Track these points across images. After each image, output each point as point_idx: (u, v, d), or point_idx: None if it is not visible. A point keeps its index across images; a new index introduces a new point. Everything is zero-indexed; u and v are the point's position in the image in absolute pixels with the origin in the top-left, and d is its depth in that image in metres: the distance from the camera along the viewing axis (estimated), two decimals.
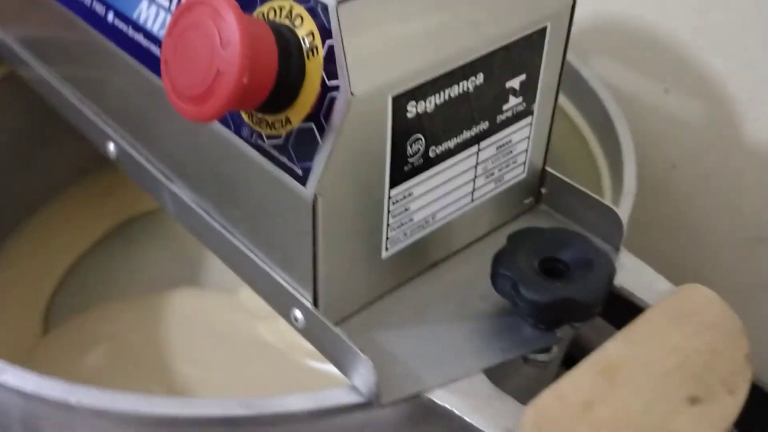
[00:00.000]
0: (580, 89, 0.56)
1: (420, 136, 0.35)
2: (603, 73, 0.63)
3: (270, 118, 0.34)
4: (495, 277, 0.37)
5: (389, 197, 0.36)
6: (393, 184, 0.36)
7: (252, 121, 0.35)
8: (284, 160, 0.34)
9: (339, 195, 0.34)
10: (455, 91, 0.35)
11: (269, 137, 0.34)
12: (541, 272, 0.37)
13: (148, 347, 0.54)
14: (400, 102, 0.33)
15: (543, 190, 0.45)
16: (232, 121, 0.36)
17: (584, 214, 0.43)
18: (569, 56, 0.57)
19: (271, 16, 0.34)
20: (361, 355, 0.34)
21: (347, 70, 0.31)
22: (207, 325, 0.55)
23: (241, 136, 0.36)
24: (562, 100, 0.57)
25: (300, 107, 0.33)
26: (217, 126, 0.37)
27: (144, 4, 0.40)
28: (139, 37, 0.40)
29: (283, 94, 0.33)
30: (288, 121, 0.34)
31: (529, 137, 0.41)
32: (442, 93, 0.35)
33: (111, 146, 0.46)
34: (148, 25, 0.40)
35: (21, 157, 0.62)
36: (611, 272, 0.37)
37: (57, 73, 0.50)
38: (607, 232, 0.42)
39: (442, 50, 0.34)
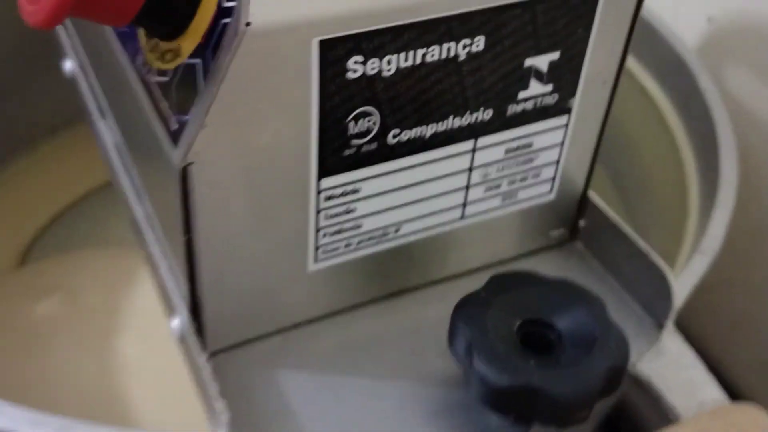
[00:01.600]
0: (689, 99, 0.43)
1: (371, 110, 0.24)
2: (737, 90, 0.49)
3: (164, 46, 0.24)
4: (452, 330, 0.26)
5: (318, 189, 0.25)
6: (325, 172, 0.25)
7: (148, 46, 0.25)
8: (164, 106, 0.24)
9: (228, 170, 0.24)
10: (434, 54, 0.24)
11: (159, 72, 0.24)
12: (518, 339, 0.26)
13: (99, 311, 0.46)
14: (334, 52, 0.23)
15: (581, 223, 0.33)
16: (130, 43, 0.26)
17: (627, 267, 0.31)
18: (687, 54, 0.44)
19: None
20: (217, 406, 0.24)
21: None
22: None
23: (134, 65, 0.26)
24: (661, 98, 0.45)
25: (193, 33, 0.23)
26: (116, 46, 0.27)
27: None
28: None
29: (171, 11, 0.23)
30: (179, 51, 0.24)
31: (562, 144, 0.29)
32: (411, 52, 0.24)
33: (68, 63, 0.38)
34: None
35: (29, 83, 0.55)
36: (616, 364, 0.25)
37: None
38: (652, 300, 0.30)
39: None
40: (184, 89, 0.23)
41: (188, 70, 0.23)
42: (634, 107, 0.47)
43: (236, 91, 0.22)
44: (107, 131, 0.33)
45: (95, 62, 0.35)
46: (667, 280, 0.29)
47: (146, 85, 0.25)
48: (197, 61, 0.22)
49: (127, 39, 0.26)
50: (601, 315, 0.26)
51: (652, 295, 0.30)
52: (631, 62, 0.48)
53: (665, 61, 0.46)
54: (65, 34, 0.38)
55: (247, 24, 0.21)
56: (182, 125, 0.23)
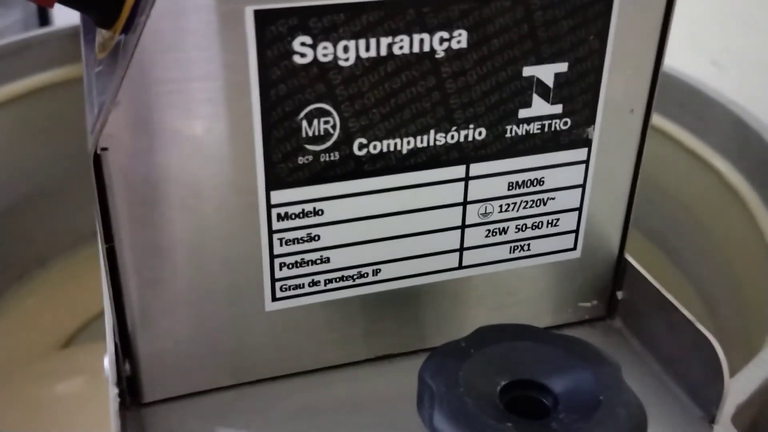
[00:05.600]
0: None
1: (328, 108, 0.21)
2: None
3: (106, 35, 0.22)
4: (419, 385, 0.21)
5: (269, 204, 0.22)
6: (276, 183, 0.21)
7: (98, 40, 0.23)
8: (93, 94, 0.21)
9: (151, 162, 0.20)
10: (404, 45, 0.21)
11: (99, 63, 0.22)
12: (502, 402, 0.20)
13: None
14: (275, 28, 0.19)
15: (619, 295, 0.27)
16: (89, 45, 0.24)
17: (671, 345, 0.25)
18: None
19: None
20: None
21: None
22: None
23: (87, 67, 0.24)
24: (753, 199, 0.39)
25: (125, 12, 0.21)
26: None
27: None
28: None
29: None
30: (114, 37, 0.21)
31: (583, 186, 0.25)
32: (372, 40, 0.20)
33: None
34: None
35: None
36: None
37: None
38: (701, 384, 0.24)
39: None
40: (109, 69, 0.20)
41: (115, 49, 0.20)
42: (720, 208, 0.42)
43: (154, 63, 0.19)
44: None
45: None
46: (717, 355, 0.23)
47: (91, 83, 0.23)
48: (121, 36, 0.20)
49: (88, 40, 0.24)
50: (610, 377, 0.20)
51: (701, 377, 0.24)
52: (715, 157, 0.42)
53: (757, 156, 0.41)
54: None
55: None
56: (101, 108, 0.20)
